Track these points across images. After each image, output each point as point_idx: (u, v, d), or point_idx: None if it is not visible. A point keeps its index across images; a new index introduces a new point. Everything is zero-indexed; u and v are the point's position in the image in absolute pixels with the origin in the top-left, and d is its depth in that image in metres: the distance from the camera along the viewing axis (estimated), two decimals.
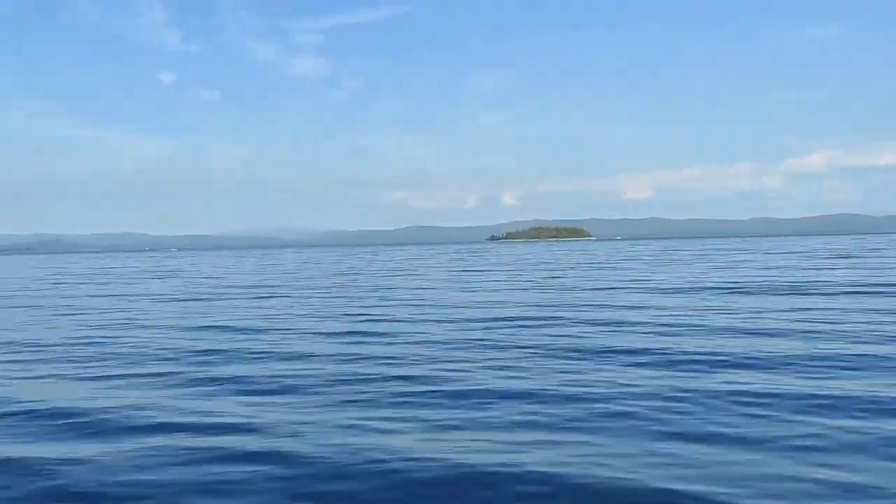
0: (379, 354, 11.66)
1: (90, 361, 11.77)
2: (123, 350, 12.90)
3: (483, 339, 13.02)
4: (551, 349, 11.71)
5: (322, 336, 14.33)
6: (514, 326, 14.96)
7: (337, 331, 15.06)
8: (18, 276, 53.58)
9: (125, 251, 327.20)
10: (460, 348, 12.09)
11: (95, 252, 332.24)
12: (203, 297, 26.48)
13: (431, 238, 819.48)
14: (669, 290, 23.57)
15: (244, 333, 14.98)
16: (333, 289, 29.22)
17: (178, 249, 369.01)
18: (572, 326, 14.66)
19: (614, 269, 41.08)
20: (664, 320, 15.20)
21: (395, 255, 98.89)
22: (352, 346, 12.77)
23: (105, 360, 11.90)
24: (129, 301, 25.32)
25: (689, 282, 27.38)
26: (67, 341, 14.31)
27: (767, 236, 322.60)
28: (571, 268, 43.92)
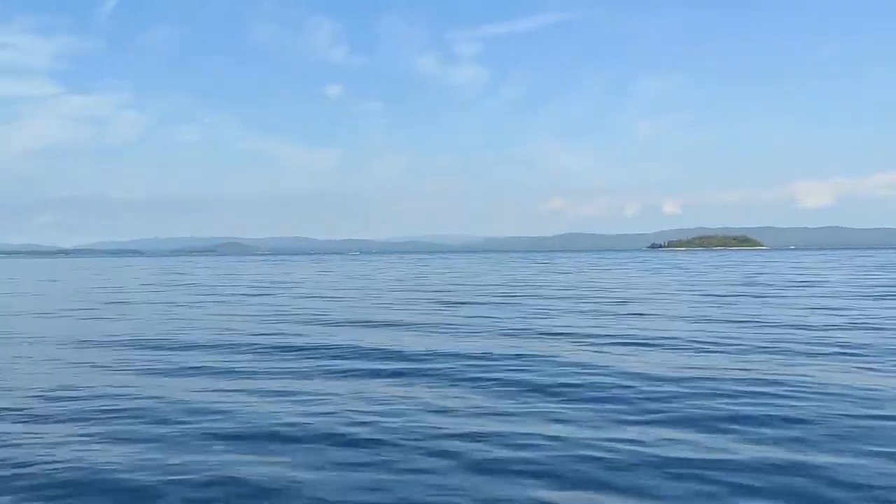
0: None
1: None
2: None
3: None
4: None
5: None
6: None
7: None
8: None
9: (300, 254, 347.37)
10: None
11: (272, 255, 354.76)
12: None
13: (588, 245, 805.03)
14: None
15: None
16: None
17: (361, 252, 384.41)
18: None
19: None
20: None
21: (599, 263, 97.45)
22: None
23: None
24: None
25: None
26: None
27: None
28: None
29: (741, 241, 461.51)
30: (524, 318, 19.99)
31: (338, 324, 18.96)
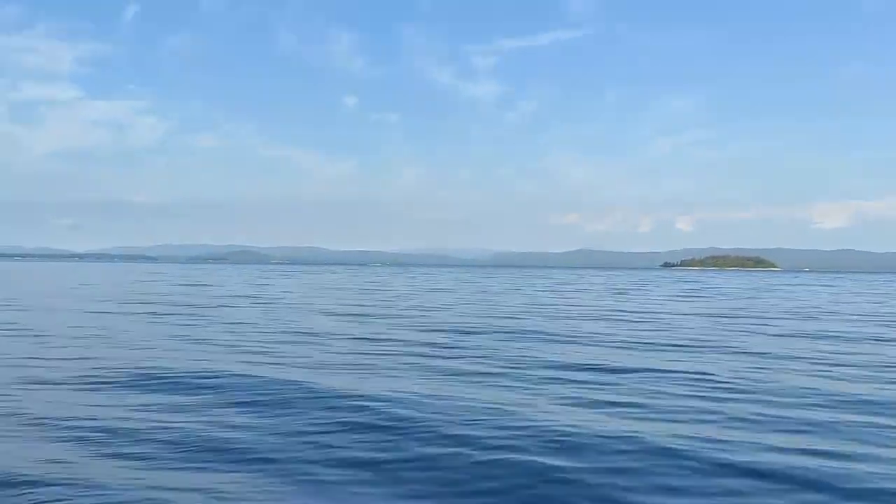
0: None
1: None
2: None
3: None
4: None
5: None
6: None
7: None
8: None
9: (310, 264, 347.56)
10: None
11: (285, 264, 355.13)
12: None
13: (601, 262, 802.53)
14: None
15: None
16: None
17: (383, 265, 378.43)
18: None
19: None
20: None
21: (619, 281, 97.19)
22: None
23: None
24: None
25: None
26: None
27: None
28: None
29: (756, 262, 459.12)
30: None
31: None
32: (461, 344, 17.59)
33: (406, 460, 7.42)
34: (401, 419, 8.99)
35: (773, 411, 9.89)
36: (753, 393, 11.20)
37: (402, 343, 17.56)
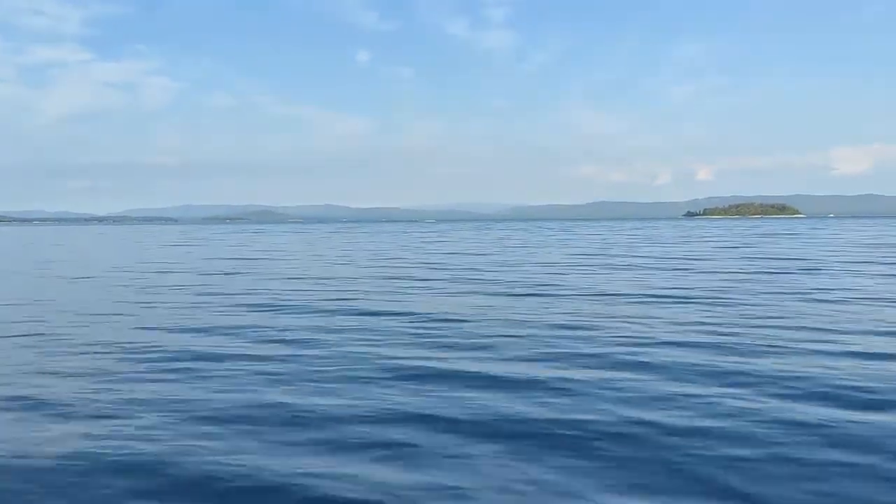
0: None
1: None
2: None
3: None
4: None
5: None
6: None
7: None
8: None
9: (331, 222, 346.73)
10: None
11: (306, 223, 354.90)
12: None
13: (621, 213, 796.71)
14: None
15: None
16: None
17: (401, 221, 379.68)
18: None
19: None
20: None
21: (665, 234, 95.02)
22: None
23: None
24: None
25: None
26: None
27: None
28: None
29: (779, 209, 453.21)
30: None
31: None
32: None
33: None
34: None
35: None
36: None
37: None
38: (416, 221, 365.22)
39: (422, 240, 64.57)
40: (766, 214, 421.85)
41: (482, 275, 24.14)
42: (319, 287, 20.38)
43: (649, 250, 40.12)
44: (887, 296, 16.70)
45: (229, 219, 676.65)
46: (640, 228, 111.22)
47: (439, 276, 23.60)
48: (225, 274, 25.80)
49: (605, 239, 61.52)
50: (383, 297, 17.42)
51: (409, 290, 19.14)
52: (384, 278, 23.33)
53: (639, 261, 30.88)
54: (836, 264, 27.11)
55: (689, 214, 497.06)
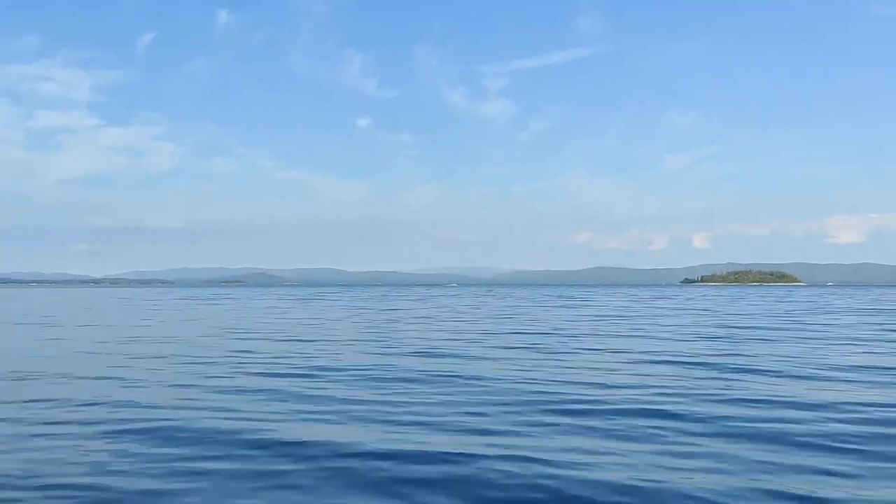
0: None
1: None
2: None
3: None
4: None
5: None
6: None
7: None
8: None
9: (326, 286, 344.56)
10: None
11: (301, 286, 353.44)
12: None
13: (618, 279, 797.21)
14: None
15: None
16: None
17: (450, 285, 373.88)
18: None
19: None
20: None
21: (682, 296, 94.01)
22: None
23: None
24: None
25: None
26: None
27: None
28: None
29: (778, 277, 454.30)
30: None
31: None
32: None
33: None
34: None
35: None
36: None
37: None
38: (439, 285, 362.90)
39: (545, 305, 63.48)
40: (764, 282, 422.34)
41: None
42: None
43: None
44: None
45: (225, 282, 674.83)
46: (684, 295, 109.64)
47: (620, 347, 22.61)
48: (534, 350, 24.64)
49: (674, 306, 60.56)
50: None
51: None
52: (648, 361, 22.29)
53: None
54: None
55: (687, 281, 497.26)
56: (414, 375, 15.70)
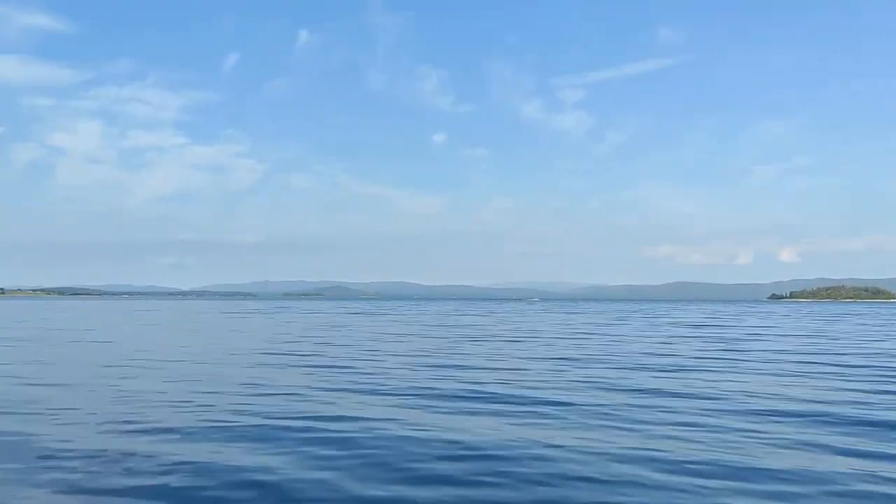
0: None
1: None
2: None
3: None
4: None
5: None
6: None
7: None
8: None
9: (400, 299, 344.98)
10: None
11: (374, 299, 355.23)
12: None
13: (700, 295, 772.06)
14: None
15: None
16: None
17: (536, 301, 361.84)
18: None
19: None
20: None
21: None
22: None
23: None
24: None
25: None
26: None
27: None
28: None
29: (873, 293, 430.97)
30: None
31: None
32: None
33: None
34: None
35: None
36: None
37: None
38: (520, 300, 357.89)
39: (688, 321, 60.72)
40: (858, 298, 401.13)
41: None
42: None
43: None
44: None
45: (304, 294, 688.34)
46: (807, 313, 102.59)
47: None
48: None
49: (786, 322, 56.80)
50: None
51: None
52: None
53: None
54: None
55: (774, 297, 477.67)
56: None
